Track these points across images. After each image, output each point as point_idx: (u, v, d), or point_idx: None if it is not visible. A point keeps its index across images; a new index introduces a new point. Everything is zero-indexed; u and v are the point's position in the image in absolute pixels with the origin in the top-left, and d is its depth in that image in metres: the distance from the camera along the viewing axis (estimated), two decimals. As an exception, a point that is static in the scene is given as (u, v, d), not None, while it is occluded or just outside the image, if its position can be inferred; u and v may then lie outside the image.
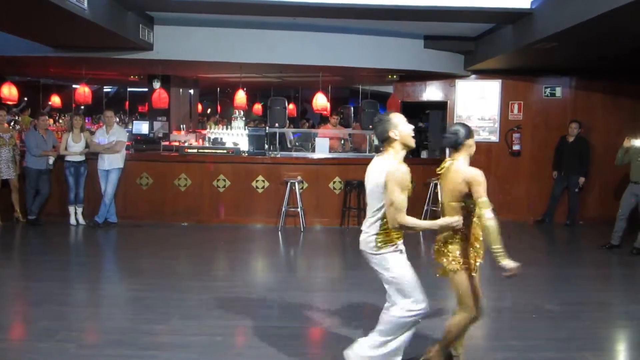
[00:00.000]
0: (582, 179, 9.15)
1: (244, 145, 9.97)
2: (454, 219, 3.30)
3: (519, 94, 9.94)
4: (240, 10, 7.46)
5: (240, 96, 10.83)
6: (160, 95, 10.50)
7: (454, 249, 3.42)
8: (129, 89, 17.13)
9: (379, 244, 3.31)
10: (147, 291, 5.30)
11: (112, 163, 8.27)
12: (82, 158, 8.36)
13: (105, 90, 17.75)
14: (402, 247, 3.40)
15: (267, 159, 9.00)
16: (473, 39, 8.97)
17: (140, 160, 8.98)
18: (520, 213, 9.76)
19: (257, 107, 16.68)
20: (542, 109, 9.89)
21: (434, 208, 8.93)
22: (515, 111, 9.93)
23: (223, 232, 8.27)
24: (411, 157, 10.64)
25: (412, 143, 3.33)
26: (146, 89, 12.70)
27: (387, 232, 3.30)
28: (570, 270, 6.66)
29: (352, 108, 13.12)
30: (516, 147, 9.84)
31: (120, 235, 8.08)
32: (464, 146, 3.46)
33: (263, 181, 8.75)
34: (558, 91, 9.87)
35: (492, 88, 9.98)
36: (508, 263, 3.24)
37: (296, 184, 8.41)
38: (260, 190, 8.77)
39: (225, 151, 9.43)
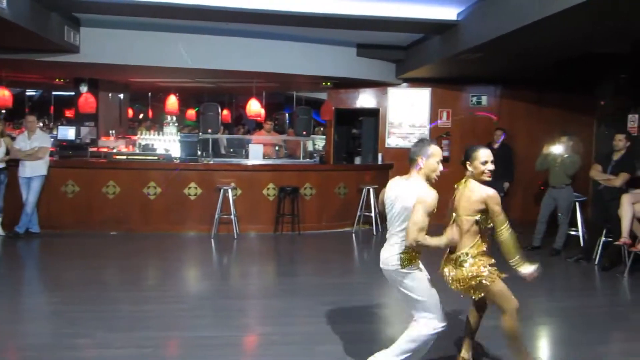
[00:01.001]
0: (506, 184, 9.54)
1: (176, 151, 9.77)
2: (455, 235, 3.50)
3: (447, 102, 10.28)
4: (170, 14, 7.34)
5: (172, 101, 10.64)
6: (87, 100, 10.15)
7: (485, 262, 3.56)
8: (54, 93, 16.41)
9: (405, 263, 3.39)
10: (71, 304, 5.07)
11: (34, 170, 7.88)
12: (1, 165, 7.92)
13: (28, 93, 16.93)
14: (421, 265, 3.51)
15: (200, 165, 8.86)
16: (404, 48, 9.22)
17: (66, 167, 8.60)
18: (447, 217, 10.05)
19: (191, 113, 16.41)
20: (469, 116, 10.27)
21: (367, 213, 9.07)
22: (444, 118, 10.26)
23: (154, 241, 8.05)
24: (345, 163, 10.83)
25: (431, 178, 3.44)
26: (72, 93, 12.20)
27: (411, 251, 3.39)
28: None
29: (287, 114, 13.14)
30: (445, 154, 10.15)
31: (43, 246, 7.70)
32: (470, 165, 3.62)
33: (196, 188, 8.60)
34: (484, 100, 10.29)
35: (422, 96, 10.27)
36: (527, 269, 3.52)
37: (229, 190, 8.32)
38: (192, 197, 8.61)
39: (156, 157, 9.20)
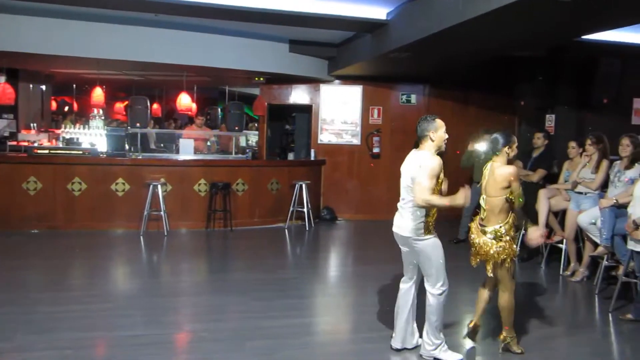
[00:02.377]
0: (434, 180, 9.87)
1: (103, 145, 9.44)
2: (464, 197, 3.80)
3: (378, 99, 10.49)
4: (97, 3, 7.06)
5: (98, 94, 10.27)
6: (5, 91, 9.58)
7: (512, 239, 4.00)
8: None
9: (425, 230, 3.78)
10: (-12, 306, 4.83)
11: (-55, 165, 7.41)
12: None
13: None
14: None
15: (128, 160, 8.61)
16: (336, 45, 9.32)
17: (-19, 162, 8.13)
18: (380, 212, 10.29)
19: (119, 106, 15.86)
20: (399, 114, 10.54)
21: (299, 209, 9.13)
22: (375, 116, 10.47)
23: (79, 239, 7.76)
24: (278, 158, 10.84)
25: (443, 147, 3.88)
26: (-11, 84, 11.50)
27: (428, 220, 3.79)
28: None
29: (219, 109, 12.98)
30: (376, 150, 10.37)
31: (-44, 246, 7.26)
32: (502, 152, 4.08)
33: (123, 184, 8.35)
34: (413, 98, 10.57)
35: (354, 93, 10.43)
36: (535, 232, 4.05)
37: (159, 186, 8.14)
38: (120, 194, 8.36)
39: (81, 152, 8.86)
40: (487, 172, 4.21)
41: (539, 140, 7.37)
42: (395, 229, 3.96)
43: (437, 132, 3.82)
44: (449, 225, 9.09)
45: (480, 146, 8.06)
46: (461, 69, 9.47)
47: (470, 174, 8.30)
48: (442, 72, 9.62)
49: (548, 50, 8.85)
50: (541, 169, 7.21)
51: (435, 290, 3.85)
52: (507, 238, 3.97)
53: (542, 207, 6.60)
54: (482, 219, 4.14)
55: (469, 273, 7.03)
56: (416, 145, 3.96)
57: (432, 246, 3.81)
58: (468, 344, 4.30)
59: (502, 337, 4.14)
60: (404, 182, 3.89)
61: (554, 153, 8.04)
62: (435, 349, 3.90)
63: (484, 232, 4.06)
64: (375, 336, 4.39)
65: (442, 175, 3.82)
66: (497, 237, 3.97)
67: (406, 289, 4.07)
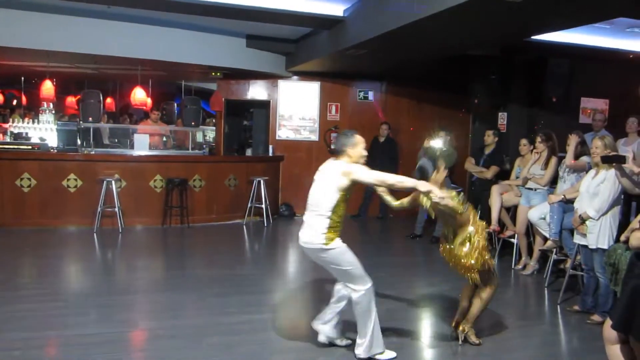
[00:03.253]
0: (391, 176, 10.00)
1: (53, 141, 9.16)
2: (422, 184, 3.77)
3: (336, 96, 10.54)
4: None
5: (48, 87, 9.91)
6: (-53, 83, 9.17)
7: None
8: None
9: (328, 240, 3.64)
10: None
11: None
12: None
13: None
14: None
15: (80, 155, 8.38)
16: (294, 41, 9.31)
17: None
18: (338, 208, 10.36)
19: (71, 100, 15.38)
20: (357, 110, 10.61)
21: (258, 205, 9.10)
22: (333, 112, 10.52)
23: (28, 237, 7.51)
24: (236, 154, 10.76)
25: (360, 162, 3.77)
26: None
27: (334, 229, 3.68)
28: (381, 259, 7.26)
29: (175, 104, 12.76)
30: (334, 146, 10.39)
31: None
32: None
33: (75, 180, 8.12)
34: (370, 95, 10.68)
35: (312, 89, 10.45)
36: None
37: (113, 182, 7.95)
38: (72, 190, 8.13)
39: (30, 147, 8.57)
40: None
41: (489, 137, 7.58)
42: (302, 243, 3.77)
43: (355, 148, 3.76)
44: (405, 220, 9.30)
45: (436, 143, 8.21)
46: (417, 66, 9.62)
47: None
48: (398, 69, 9.74)
49: (501, 50, 9.09)
50: (494, 165, 7.41)
51: (358, 289, 3.71)
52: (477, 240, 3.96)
53: (495, 203, 6.79)
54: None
55: (420, 268, 7.20)
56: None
57: (339, 254, 3.68)
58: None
59: (462, 328, 4.21)
60: (319, 188, 3.75)
61: (507, 150, 8.29)
62: (369, 348, 3.77)
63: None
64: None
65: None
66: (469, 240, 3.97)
67: (340, 286, 3.96)
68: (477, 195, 7.51)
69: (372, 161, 10.03)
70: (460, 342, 4.19)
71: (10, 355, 3.69)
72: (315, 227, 3.68)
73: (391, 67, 9.56)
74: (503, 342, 4.42)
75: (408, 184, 3.72)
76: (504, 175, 7.45)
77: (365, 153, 3.81)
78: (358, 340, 3.80)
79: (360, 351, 3.78)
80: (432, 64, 9.44)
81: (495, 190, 6.87)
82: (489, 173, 7.37)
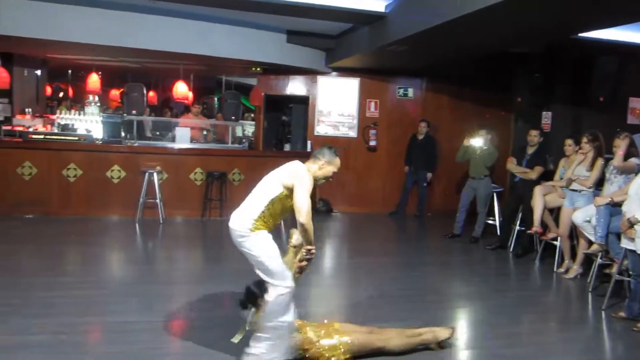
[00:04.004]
0: (429, 174, 9.91)
1: (98, 132, 9.39)
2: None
3: (375, 92, 10.47)
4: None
5: (94, 80, 10.20)
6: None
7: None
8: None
9: (254, 228, 3.45)
10: (-19, 290, 4.81)
11: (-61, 148, 7.35)
12: None
13: None
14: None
15: (124, 147, 8.58)
16: (334, 37, 9.28)
17: (-24, 146, 8.08)
18: (375, 205, 10.33)
19: (115, 93, 15.76)
20: (396, 107, 10.53)
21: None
22: (372, 109, 10.46)
23: (74, 225, 7.74)
24: (274, 149, 10.82)
25: (319, 181, 3.66)
26: (-17, 67, 11.39)
27: (265, 222, 3.49)
28: (417, 258, 7.22)
29: (215, 99, 12.93)
30: (372, 143, 10.37)
31: (-51, 229, 7.22)
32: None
33: (119, 171, 8.32)
34: (410, 92, 10.57)
35: (351, 86, 10.41)
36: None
37: (155, 174, 8.11)
38: (116, 181, 8.33)
39: (76, 138, 8.81)
40: None
41: (535, 137, 7.38)
42: (230, 227, 3.55)
43: (327, 167, 3.63)
44: (443, 219, 9.19)
45: (476, 141, 8.09)
46: (458, 63, 9.47)
47: (466, 168, 8.33)
48: (439, 66, 9.61)
49: (546, 47, 8.87)
50: (538, 166, 7.24)
51: (277, 284, 3.43)
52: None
53: (538, 204, 6.63)
54: None
55: (459, 267, 7.10)
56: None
57: (260, 241, 3.46)
58: None
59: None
60: (269, 179, 3.58)
61: (550, 150, 8.09)
62: (259, 354, 3.45)
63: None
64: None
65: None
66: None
67: None
68: (519, 196, 7.35)
69: (410, 159, 10.11)
70: None
71: (58, 339, 3.81)
72: (247, 212, 3.48)
73: (432, 64, 9.44)
74: (544, 347, 4.32)
75: (306, 236, 3.47)
76: (547, 176, 7.28)
77: (331, 178, 3.69)
78: (251, 342, 3.49)
79: (254, 352, 3.48)
80: (474, 61, 9.28)
81: (538, 191, 6.71)
82: (534, 173, 7.20)
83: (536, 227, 6.63)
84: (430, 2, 6.02)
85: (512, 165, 7.55)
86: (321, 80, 10.40)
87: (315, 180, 3.60)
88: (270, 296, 3.42)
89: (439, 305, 5.18)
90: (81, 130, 10.31)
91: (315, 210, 9.86)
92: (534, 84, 9.33)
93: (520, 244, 7.33)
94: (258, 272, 3.50)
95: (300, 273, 3.63)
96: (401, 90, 10.55)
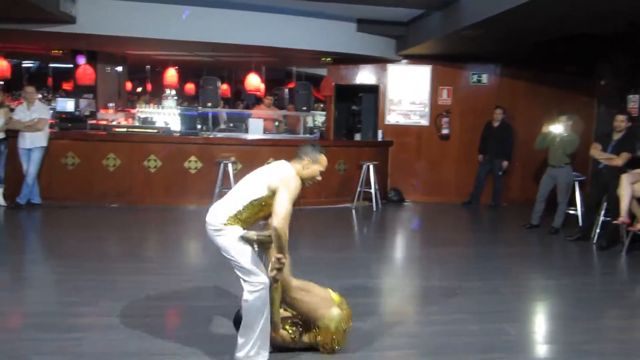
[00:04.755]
0: (505, 163, 9.59)
1: (176, 125, 9.75)
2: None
3: (448, 79, 10.24)
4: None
5: (171, 74, 10.58)
6: (85, 72, 10.07)
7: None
8: (51, 65, 16.28)
9: (228, 223, 3.29)
10: (74, 273, 5.13)
11: (34, 141, 7.87)
12: (2, 136, 7.91)
13: (25, 65, 16.79)
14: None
15: (200, 139, 8.86)
16: (405, 24, 9.14)
17: (66, 139, 8.59)
18: (448, 195, 10.13)
19: (190, 87, 16.32)
20: (469, 94, 10.25)
21: (367, 190, 9.12)
22: (445, 96, 10.23)
23: (155, 214, 8.09)
24: (344, 139, 10.83)
25: (309, 181, 3.46)
26: (70, 65, 12.11)
27: (241, 220, 3.32)
28: (493, 249, 7.01)
29: (286, 90, 13.09)
30: (445, 131, 10.16)
31: (44, 217, 7.74)
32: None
33: (196, 161, 8.61)
34: (484, 78, 10.25)
35: (422, 73, 10.23)
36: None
37: (230, 164, 8.33)
38: (193, 171, 8.63)
39: (155, 131, 9.19)
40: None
41: (622, 122, 6.96)
42: (206, 222, 3.38)
43: (312, 166, 3.42)
44: (520, 209, 8.88)
45: (556, 128, 7.74)
46: (536, 46, 9.05)
47: (545, 156, 7.99)
48: (515, 50, 9.23)
49: (632, 26, 8.30)
50: (626, 152, 6.82)
51: (251, 281, 3.28)
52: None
53: (625, 193, 6.27)
54: None
55: (537, 259, 6.84)
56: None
57: (232, 237, 3.29)
58: None
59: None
60: (253, 178, 3.43)
61: (638, 136, 7.60)
62: (250, 352, 3.32)
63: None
64: (443, 318, 4.34)
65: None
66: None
67: None
68: (604, 184, 6.97)
69: (485, 147, 9.81)
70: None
71: (143, 322, 4.00)
72: (224, 208, 3.33)
73: (507, 48, 9.09)
74: (632, 344, 4.08)
75: (279, 242, 3.22)
76: (635, 163, 6.84)
77: (319, 178, 3.48)
78: (239, 341, 3.35)
79: (241, 355, 3.33)
80: (552, 42, 8.84)
81: (625, 179, 6.33)
82: (620, 160, 6.79)
83: (623, 217, 6.27)
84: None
85: (596, 151, 7.16)
86: (391, 68, 10.28)
87: (302, 181, 3.40)
88: (245, 294, 3.29)
89: (516, 298, 5.02)
90: (160, 123, 10.74)
91: (386, 199, 9.82)
92: (619, 66, 8.78)
93: (605, 236, 6.95)
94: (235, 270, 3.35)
95: (274, 281, 3.36)
96: (475, 77, 10.25)
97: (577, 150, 7.70)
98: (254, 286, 3.27)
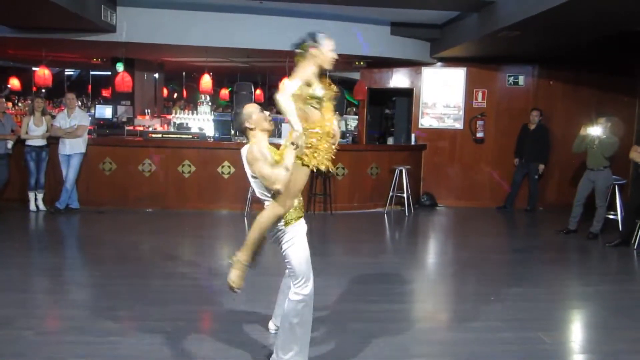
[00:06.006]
0: (541, 166, 9.39)
1: (210, 130, 9.87)
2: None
3: (483, 82, 10.09)
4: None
5: (206, 81, 10.72)
6: (123, 79, 10.32)
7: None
8: (91, 72, 16.74)
9: (286, 221, 3.35)
10: (110, 277, 5.25)
11: (73, 148, 8.10)
12: (43, 142, 8.16)
13: (66, 73, 17.31)
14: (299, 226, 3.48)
15: (233, 144, 8.95)
16: (439, 26, 9.06)
17: (103, 145, 8.80)
18: (483, 199, 9.98)
19: (224, 92, 16.52)
20: (505, 97, 10.08)
21: (399, 194, 9.05)
22: (480, 99, 10.08)
23: (188, 218, 8.21)
24: (377, 143, 10.79)
25: (266, 126, 3.36)
26: (109, 73, 12.43)
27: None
28: (529, 255, 6.86)
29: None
30: (480, 135, 10.01)
31: (82, 222, 7.94)
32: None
33: (229, 167, 8.70)
34: (521, 80, 10.06)
35: (457, 76, 10.11)
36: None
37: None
38: (226, 176, 8.73)
39: (190, 136, 9.33)
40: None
41: (665, 124, 6.73)
42: None
43: (252, 117, 3.32)
44: (557, 214, 8.67)
45: (594, 130, 7.54)
46: (574, 47, 8.83)
47: (583, 159, 7.79)
48: (552, 50, 9.04)
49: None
50: (667, 155, 6.60)
51: (294, 290, 3.31)
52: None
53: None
54: None
55: (575, 265, 6.66)
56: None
57: (289, 240, 3.38)
58: None
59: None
60: (251, 178, 3.40)
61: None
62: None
63: None
64: (477, 325, 4.27)
65: (274, 151, 3.32)
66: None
67: (285, 277, 3.75)
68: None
69: (521, 150, 9.63)
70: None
71: (177, 325, 4.06)
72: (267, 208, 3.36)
73: (545, 49, 8.90)
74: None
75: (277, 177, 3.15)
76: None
77: (265, 114, 3.36)
78: (276, 355, 3.34)
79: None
80: (592, 43, 8.62)
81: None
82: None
83: (665, 223, 6.06)
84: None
85: (636, 154, 6.94)
86: (426, 71, 10.19)
87: (267, 131, 3.34)
88: (289, 305, 3.30)
89: (552, 305, 4.90)
90: (195, 129, 10.91)
91: (419, 203, 9.73)
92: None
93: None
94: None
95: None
96: (511, 79, 10.08)
97: (616, 153, 7.47)
98: (298, 295, 3.29)
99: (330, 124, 3.38)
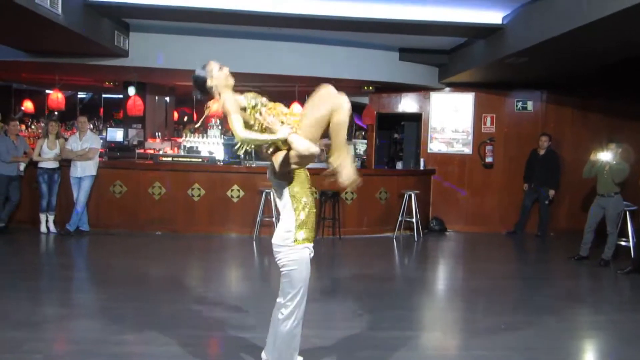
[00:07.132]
0: (552, 192, 9.35)
1: (220, 154, 9.93)
2: (286, 130, 3.18)
3: (491, 107, 10.12)
4: (214, 19, 7.48)
5: (216, 105, 10.80)
6: (135, 103, 10.43)
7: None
8: (103, 96, 16.93)
9: (295, 239, 3.24)
10: (119, 301, 5.25)
11: (84, 170, 8.18)
12: (56, 165, 8.25)
13: (79, 96, 17.52)
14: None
15: (243, 168, 8.99)
16: (447, 52, 9.14)
17: (114, 167, 8.89)
18: (492, 224, 9.93)
19: (234, 116, 16.62)
20: (514, 122, 10.09)
21: (408, 219, 9.02)
22: (488, 124, 10.10)
23: (197, 242, 8.22)
24: (386, 168, 10.80)
25: (230, 81, 3.28)
26: (121, 96, 12.59)
27: (302, 223, 3.27)
28: (539, 282, 6.79)
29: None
30: (489, 160, 10.01)
31: (92, 244, 7.97)
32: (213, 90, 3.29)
33: (238, 190, 8.73)
34: (529, 105, 10.09)
35: (465, 101, 10.16)
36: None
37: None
38: (235, 200, 8.75)
39: (200, 160, 9.39)
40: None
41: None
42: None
43: (213, 74, 3.23)
44: (568, 240, 8.60)
45: (604, 156, 7.51)
46: (583, 72, 8.86)
47: (594, 185, 7.74)
48: (560, 76, 9.08)
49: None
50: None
51: (285, 313, 3.30)
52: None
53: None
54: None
55: (586, 293, 6.57)
56: None
57: (296, 261, 3.24)
58: None
59: None
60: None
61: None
62: None
63: None
64: (487, 355, 4.21)
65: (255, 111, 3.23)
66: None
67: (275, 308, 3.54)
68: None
69: (530, 175, 9.61)
70: None
71: (186, 350, 4.04)
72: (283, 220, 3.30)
73: (553, 74, 8.94)
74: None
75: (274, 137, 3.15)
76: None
77: (225, 69, 3.27)
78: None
79: None
80: (601, 68, 8.64)
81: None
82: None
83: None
84: (553, 10, 5.74)
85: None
86: (434, 96, 10.25)
87: (227, 87, 3.26)
88: (283, 328, 3.31)
89: (563, 334, 4.82)
90: (204, 153, 10.97)
91: (428, 228, 9.69)
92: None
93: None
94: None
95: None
96: (519, 104, 10.11)
97: (627, 179, 7.43)
98: (289, 320, 3.31)
99: (289, 110, 3.36)
